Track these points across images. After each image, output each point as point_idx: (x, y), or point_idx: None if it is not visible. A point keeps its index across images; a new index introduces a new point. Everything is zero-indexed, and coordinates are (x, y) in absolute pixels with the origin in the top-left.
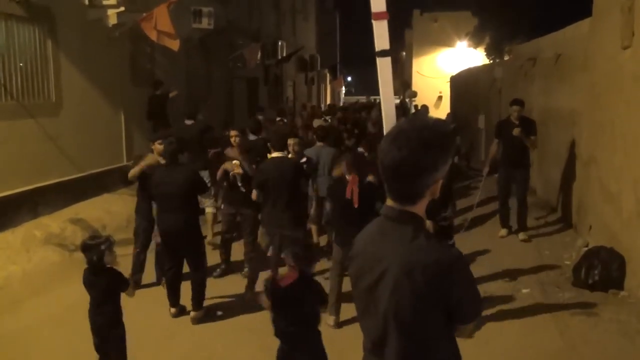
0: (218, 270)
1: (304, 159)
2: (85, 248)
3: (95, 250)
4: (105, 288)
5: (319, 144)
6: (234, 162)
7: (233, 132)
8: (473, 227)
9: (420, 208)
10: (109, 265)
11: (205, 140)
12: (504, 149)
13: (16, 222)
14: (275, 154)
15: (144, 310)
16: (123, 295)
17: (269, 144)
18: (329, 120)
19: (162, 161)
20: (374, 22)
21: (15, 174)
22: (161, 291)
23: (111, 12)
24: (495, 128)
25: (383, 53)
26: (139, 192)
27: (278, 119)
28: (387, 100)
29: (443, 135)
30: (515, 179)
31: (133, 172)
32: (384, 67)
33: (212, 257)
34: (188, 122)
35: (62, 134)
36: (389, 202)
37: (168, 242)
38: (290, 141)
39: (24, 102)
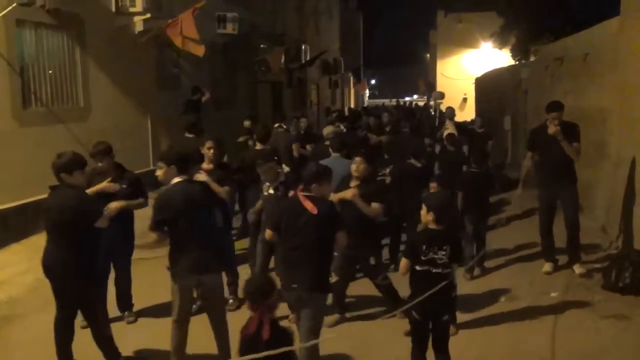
0: (194, 306)
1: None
2: None
3: None
4: None
5: (334, 154)
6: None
7: (208, 144)
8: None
9: None
10: None
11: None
12: (542, 163)
13: None
14: (176, 179)
15: None
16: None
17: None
18: (342, 128)
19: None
20: None
21: (46, 179)
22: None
23: (137, 19)
24: (528, 138)
25: None
26: None
27: (276, 125)
28: None
29: None
30: (560, 198)
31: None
32: None
33: None
34: (189, 135)
35: (90, 138)
36: None
37: (51, 283)
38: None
39: (53, 108)
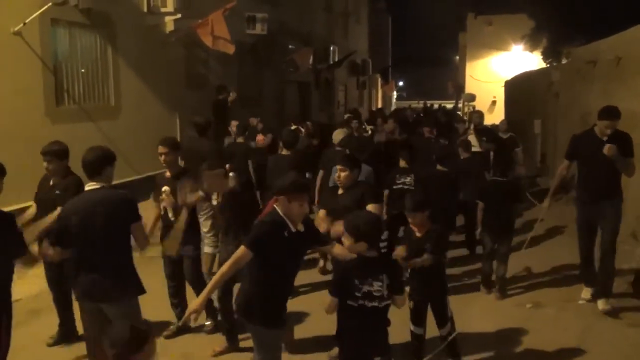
0: (171, 327)
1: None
2: None
3: None
4: None
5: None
6: (164, 189)
7: (161, 149)
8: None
9: None
10: None
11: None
12: (584, 175)
13: None
14: (89, 185)
15: None
16: None
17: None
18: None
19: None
20: None
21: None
22: None
23: (168, 19)
24: (569, 145)
25: None
26: None
27: (293, 127)
28: None
29: None
30: (601, 215)
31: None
32: None
33: None
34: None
35: (120, 136)
36: None
37: None
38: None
39: (85, 105)
